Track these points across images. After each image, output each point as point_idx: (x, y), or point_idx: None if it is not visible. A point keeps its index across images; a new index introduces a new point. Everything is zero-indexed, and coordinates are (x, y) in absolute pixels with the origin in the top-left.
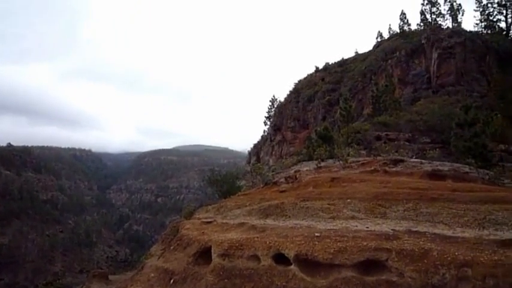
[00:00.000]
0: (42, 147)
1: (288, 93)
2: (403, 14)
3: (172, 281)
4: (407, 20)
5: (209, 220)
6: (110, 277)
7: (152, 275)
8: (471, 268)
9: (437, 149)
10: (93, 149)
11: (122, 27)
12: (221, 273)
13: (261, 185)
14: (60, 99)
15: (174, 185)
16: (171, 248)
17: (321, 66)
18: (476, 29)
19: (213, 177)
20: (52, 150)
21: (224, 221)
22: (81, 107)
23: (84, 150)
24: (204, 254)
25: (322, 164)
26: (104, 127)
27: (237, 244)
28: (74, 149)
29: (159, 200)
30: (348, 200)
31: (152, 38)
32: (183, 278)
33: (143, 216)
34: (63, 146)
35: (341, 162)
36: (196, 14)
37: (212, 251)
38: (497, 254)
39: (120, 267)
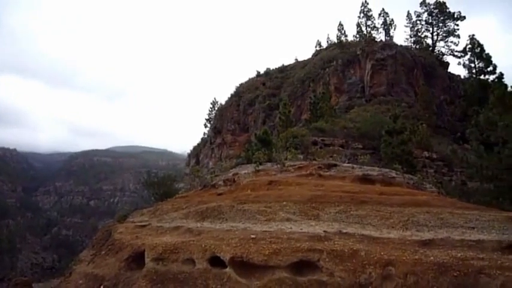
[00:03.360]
0: None
1: (229, 96)
2: (341, 25)
3: (102, 287)
4: (345, 31)
5: (144, 224)
6: (34, 285)
7: (80, 281)
8: (395, 267)
9: (368, 155)
10: (19, 149)
11: (55, 20)
12: (154, 277)
13: (199, 188)
14: None
15: (108, 187)
16: (102, 252)
17: (262, 71)
18: (406, 44)
19: (149, 179)
20: None
21: (159, 224)
22: (6, 103)
23: (8, 149)
24: (137, 259)
25: (261, 167)
26: (32, 125)
27: (172, 248)
28: None
29: (91, 203)
30: (284, 203)
31: (88, 33)
32: (114, 284)
33: (73, 220)
34: None
35: (279, 165)
36: (132, 11)
37: (145, 255)
38: (417, 253)
39: (47, 275)
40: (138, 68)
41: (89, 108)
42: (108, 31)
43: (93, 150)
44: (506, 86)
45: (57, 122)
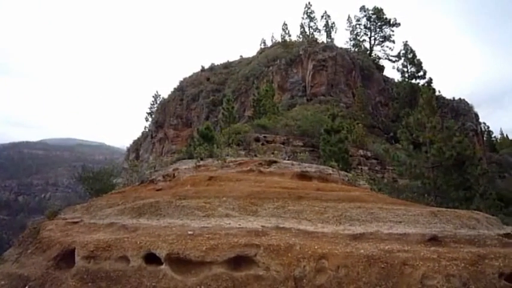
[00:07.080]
0: None
1: (172, 90)
2: (285, 25)
3: (27, 287)
4: (289, 31)
5: (76, 220)
6: None
7: (3, 282)
8: (328, 260)
9: (307, 152)
10: None
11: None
12: (85, 276)
13: (137, 183)
14: None
15: (39, 182)
16: (29, 251)
17: (206, 66)
18: (346, 46)
19: (84, 174)
20: None
21: (92, 221)
22: None
23: None
24: (66, 257)
25: (202, 162)
26: None
27: (105, 245)
28: None
29: (19, 198)
30: (224, 199)
31: (22, 20)
32: (41, 284)
33: None
34: None
35: (220, 161)
36: (77, 3)
37: (76, 253)
38: (349, 246)
39: None
40: (77, 60)
41: (21, 98)
42: (50, 23)
43: (23, 142)
44: (434, 90)
45: None
